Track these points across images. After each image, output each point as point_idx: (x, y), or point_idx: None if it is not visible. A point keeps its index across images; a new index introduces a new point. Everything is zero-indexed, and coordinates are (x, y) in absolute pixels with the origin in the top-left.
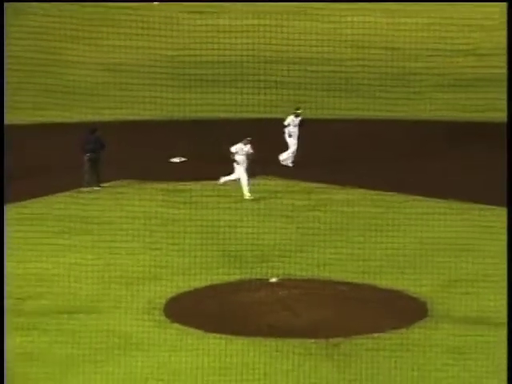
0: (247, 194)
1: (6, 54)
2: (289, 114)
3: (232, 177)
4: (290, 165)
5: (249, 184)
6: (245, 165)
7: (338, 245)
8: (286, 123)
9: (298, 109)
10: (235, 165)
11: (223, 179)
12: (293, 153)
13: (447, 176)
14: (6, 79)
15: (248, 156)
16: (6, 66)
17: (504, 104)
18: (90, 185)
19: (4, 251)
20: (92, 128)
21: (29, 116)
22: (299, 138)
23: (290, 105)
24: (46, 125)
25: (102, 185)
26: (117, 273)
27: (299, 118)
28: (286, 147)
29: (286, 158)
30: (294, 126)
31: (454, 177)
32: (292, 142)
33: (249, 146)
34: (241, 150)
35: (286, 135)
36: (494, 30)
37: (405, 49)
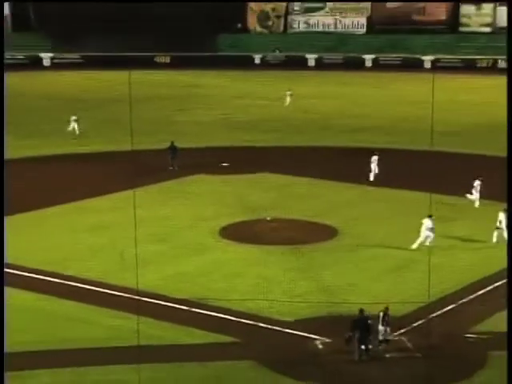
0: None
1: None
2: (372, 155)
3: None
4: (372, 179)
5: None
6: None
7: (306, 204)
8: (371, 160)
9: (375, 151)
10: None
11: None
12: (374, 173)
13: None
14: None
15: None
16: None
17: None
18: (172, 168)
19: (4, 252)
20: (172, 142)
21: (149, 146)
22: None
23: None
24: (159, 149)
25: (177, 169)
26: (198, 216)
27: (377, 157)
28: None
29: (371, 176)
30: (373, 161)
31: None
32: (373, 168)
33: None
34: None
35: (372, 164)
36: (365, 106)
37: (325, 113)
